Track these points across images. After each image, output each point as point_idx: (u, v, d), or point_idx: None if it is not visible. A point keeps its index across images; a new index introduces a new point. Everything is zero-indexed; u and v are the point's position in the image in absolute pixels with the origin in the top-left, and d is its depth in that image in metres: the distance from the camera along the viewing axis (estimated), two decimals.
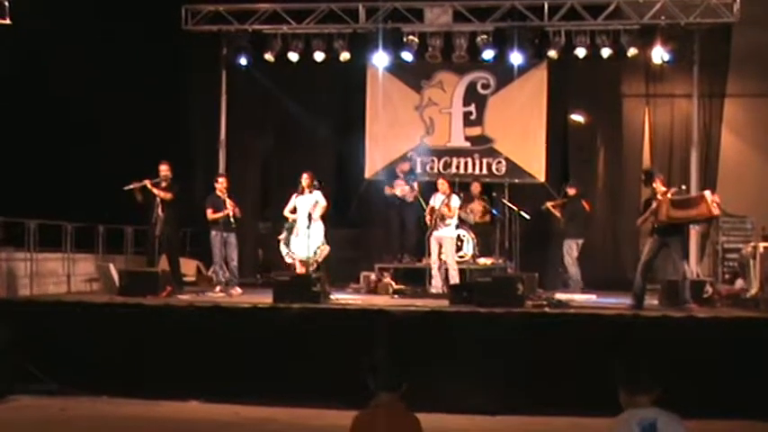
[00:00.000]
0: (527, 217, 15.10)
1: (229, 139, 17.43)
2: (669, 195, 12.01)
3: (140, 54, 16.20)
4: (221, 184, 14.35)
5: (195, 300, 12.99)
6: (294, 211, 14.46)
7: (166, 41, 16.57)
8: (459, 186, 16.14)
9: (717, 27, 15.74)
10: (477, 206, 16.09)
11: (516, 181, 16.74)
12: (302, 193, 14.30)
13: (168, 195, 14.09)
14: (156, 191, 13.98)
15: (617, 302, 12.98)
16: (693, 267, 15.22)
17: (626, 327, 10.92)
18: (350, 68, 16.86)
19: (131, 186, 13.87)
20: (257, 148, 17.72)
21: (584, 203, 15.55)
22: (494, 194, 16.52)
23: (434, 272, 14.66)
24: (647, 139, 16.91)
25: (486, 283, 12.64)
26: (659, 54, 15.86)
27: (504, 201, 15.64)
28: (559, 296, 13.45)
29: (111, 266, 14.09)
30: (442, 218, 14.60)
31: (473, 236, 15.82)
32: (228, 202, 14.12)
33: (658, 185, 12.19)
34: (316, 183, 14.31)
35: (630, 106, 17.20)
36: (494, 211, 15.96)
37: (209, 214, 14.18)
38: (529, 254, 15.35)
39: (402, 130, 17.21)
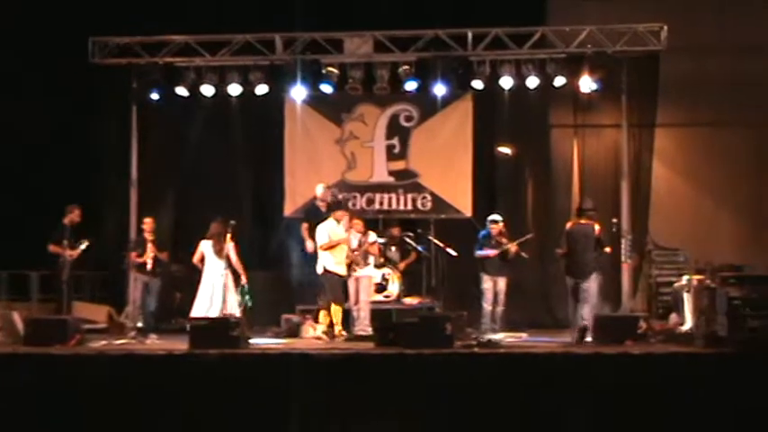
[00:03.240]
0: (454, 254, 14.74)
1: (141, 176, 16.57)
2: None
3: (47, 92, 15.95)
4: (148, 225, 14.13)
5: (107, 348, 12.46)
6: (202, 259, 13.86)
7: (73, 76, 15.98)
8: (384, 224, 15.93)
9: (645, 55, 15.49)
10: (395, 254, 15.82)
11: (443, 216, 16.34)
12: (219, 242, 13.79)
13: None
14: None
15: (547, 341, 12.87)
16: (626, 303, 15.04)
17: (559, 365, 10.84)
18: (267, 102, 16.26)
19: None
20: (170, 185, 17.01)
21: None
22: (419, 231, 16.04)
23: (356, 314, 14.25)
24: (576, 171, 16.71)
25: (412, 323, 12.41)
26: (587, 83, 15.50)
27: (431, 237, 15.36)
28: (489, 336, 13.18)
29: (15, 314, 13.33)
30: (365, 257, 14.35)
31: (398, 275, 15.46)
32: (150, 247, 13.91)
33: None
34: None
35: (559, 137, 16.99)
36: (420, 249, 15.57)
37: (133, 258, 13.88)
38: (457, 292, 15.01)
39: (322, 165, 16.70)
